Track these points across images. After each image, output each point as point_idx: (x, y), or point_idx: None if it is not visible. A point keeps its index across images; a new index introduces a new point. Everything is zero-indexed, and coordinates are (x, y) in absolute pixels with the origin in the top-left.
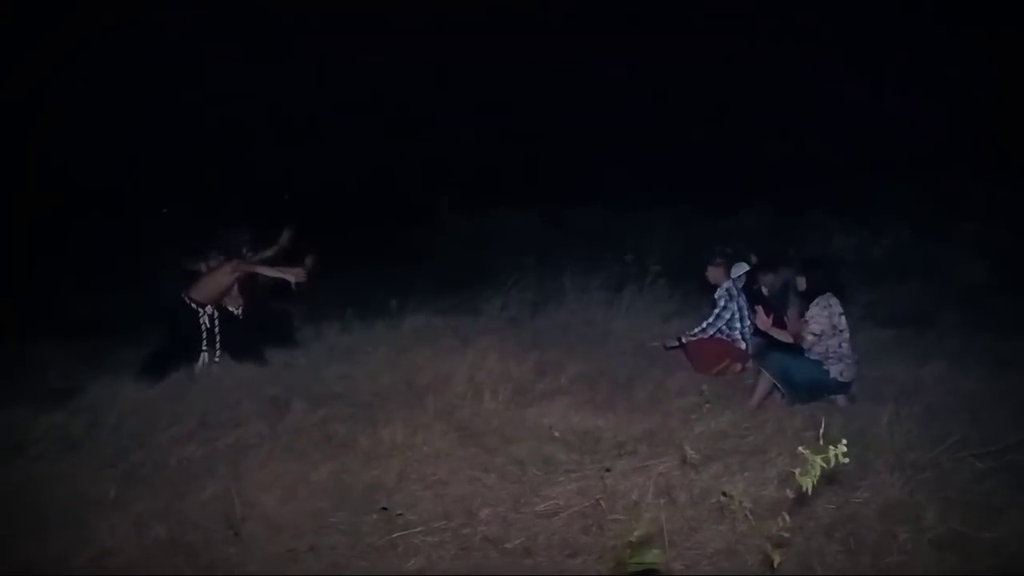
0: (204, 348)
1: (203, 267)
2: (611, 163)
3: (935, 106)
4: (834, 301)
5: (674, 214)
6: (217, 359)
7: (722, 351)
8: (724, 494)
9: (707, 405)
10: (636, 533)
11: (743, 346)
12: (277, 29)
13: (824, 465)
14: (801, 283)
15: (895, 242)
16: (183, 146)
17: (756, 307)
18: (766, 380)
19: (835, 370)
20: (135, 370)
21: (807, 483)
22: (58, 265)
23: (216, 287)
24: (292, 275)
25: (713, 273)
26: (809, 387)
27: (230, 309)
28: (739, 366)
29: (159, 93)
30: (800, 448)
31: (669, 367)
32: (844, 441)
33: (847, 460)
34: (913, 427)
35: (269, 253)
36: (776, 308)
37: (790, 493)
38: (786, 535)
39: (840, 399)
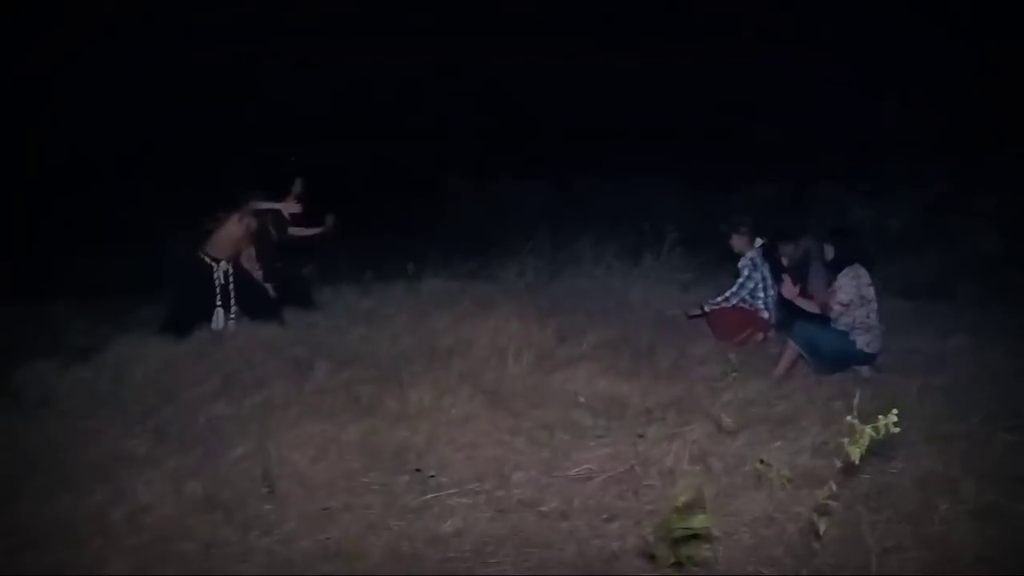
0: (219, 303)
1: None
2: (620, 134)
3: (947, 80)
4: (862, 271)
5: (687, 185)
6: (233, 316)
7: (745, 320)
8: (761, 462)
9: (734, 374)
10: (681, 498)
11: (766, 315)
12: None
13: (874, 435)
14: (829, 252)
15: (911, 215)
16: (200, 114)
17: (783, 276)
18: (792, 350)
19: (861, 341)
20: (155, 327)
21: (856, 453)
22: (74, 225)
23: (228, 238)
24: (285, 206)
25: (738, 242)
26: (835, 357)
27: (251, 272)
28: (761, 335)
29: (178, 65)
30: (849, 417)
31: (691, 335)
32: (895, 411)
33: (898, 430)
34: (942, 399)
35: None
36: (798, 278)
37: (837, 462)
38: (832, 504)
39: (865, 370)
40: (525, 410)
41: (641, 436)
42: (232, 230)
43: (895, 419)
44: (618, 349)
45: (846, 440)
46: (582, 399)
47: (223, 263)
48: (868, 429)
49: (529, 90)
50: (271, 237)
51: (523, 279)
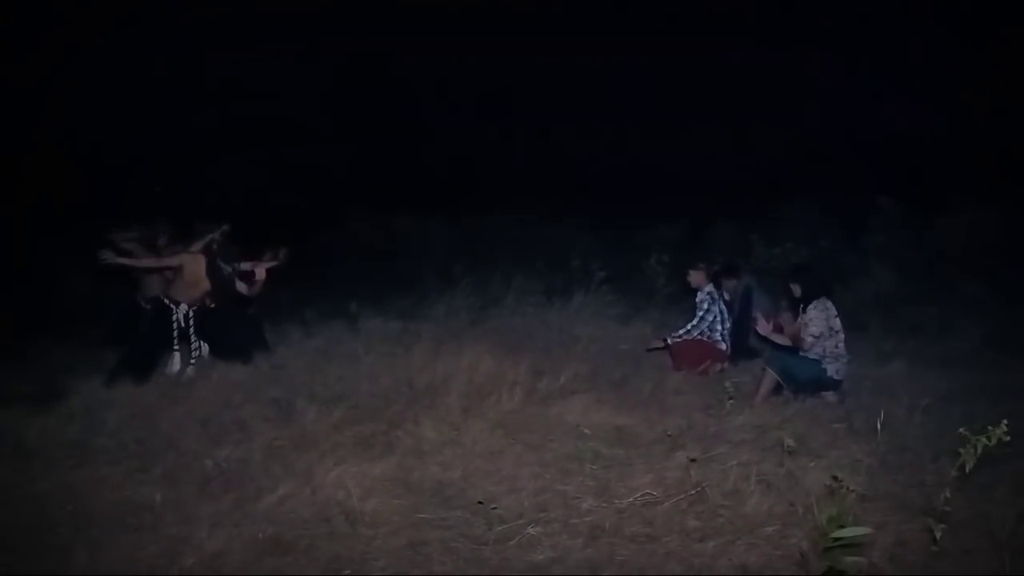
0: (176, 347)
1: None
2: (515, 171)
3: (839, 128)
4: (830, 304)
5: (585, 223)
6: (193, 360)
7: (705, 352)
8: (835, 478)
9: (731, 401)
10: (832, 510)
11: (723, 347)
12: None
13: (987, 442)
14: (796, 290)
15: (810, 254)
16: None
17: (756, 315)
18: (770, 377)
19: (832, 369)
20: (98, 370)
21: (970, 460)
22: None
23: (189, 280)
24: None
25: (695, 277)
26: (808, 384)
27: (208, 303)
28: (719, 366)
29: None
30: (961, 429)
31: (654, 367)
32: (1005, 422)
33: (1008, 439)
34: (925, 419)
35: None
36: (741, 311)
37: (953, 472)
38: (948, 510)
39: (831, 395)
40: (542, 443)
41: (693, 460)
42: (192, 270)
43: (1005, 428)
44: (595, 382)
45: (961, 450)
46: (587, 431)
47: (183, 305)
48: (982, 439)
49: (423, 126)
50: (225, 274)
51: (458, 317)
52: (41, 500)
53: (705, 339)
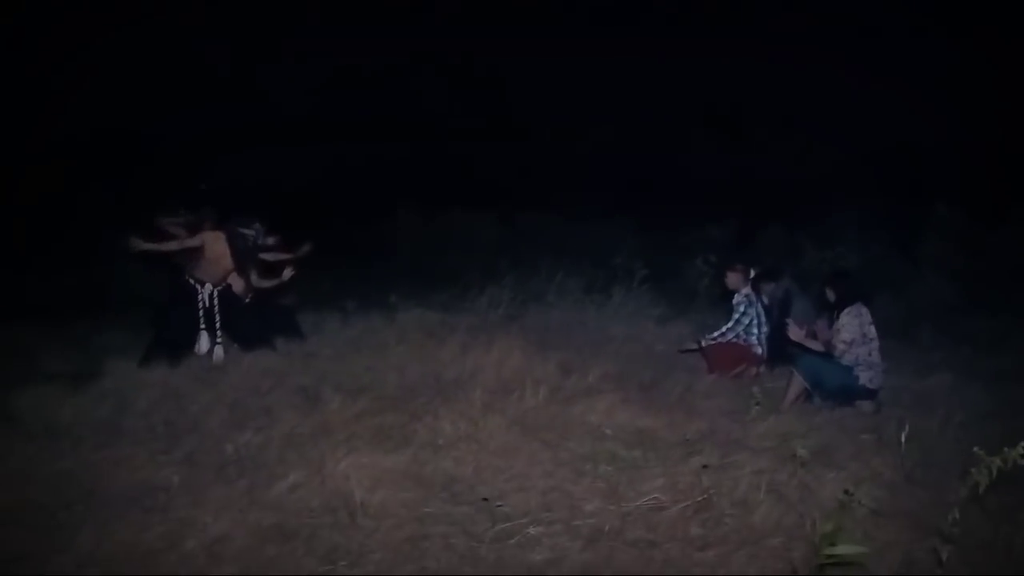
0: (203, 327)
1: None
2: (569, 171)
3: (898, 134)
4: (864, 310)
5: (635, 222)
6: (219, 341)
7: (740, 355)
8: (846, 491)
9: (757, 407)
10: (827, 526)
11: (759, 351)
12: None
13: (1001, 465)
14: (831, 295)
15: (861, 259)
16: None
17: (788, 320)
18: (798, 382)
19: (864, 377)
20: (135, 351)
21: (983, 482)
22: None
23: (213, 260)
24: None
25: (732, 279)
26: (838, 392)
27: (237, 293)
28: (754, 370)
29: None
30: (975, 448)
31: (687, 369)
32: (1022, 444)
33: None
34: (960, 434)
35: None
36: (779, 316)
37: (964, 491)
38: (955, 531)
39: (867, 405)
40: (559, 441)
41: (705, 467)
42: (218, 249)
43: (1022, 451)
44: (623, 382)
45: (973, 470)
46: (608, 431)
47: (208, 285)
48: (996, 460)
49: (475, 124)
50: (251, 260)
51: (498, 311)
52: (62, 478)
53: (741, 342)
